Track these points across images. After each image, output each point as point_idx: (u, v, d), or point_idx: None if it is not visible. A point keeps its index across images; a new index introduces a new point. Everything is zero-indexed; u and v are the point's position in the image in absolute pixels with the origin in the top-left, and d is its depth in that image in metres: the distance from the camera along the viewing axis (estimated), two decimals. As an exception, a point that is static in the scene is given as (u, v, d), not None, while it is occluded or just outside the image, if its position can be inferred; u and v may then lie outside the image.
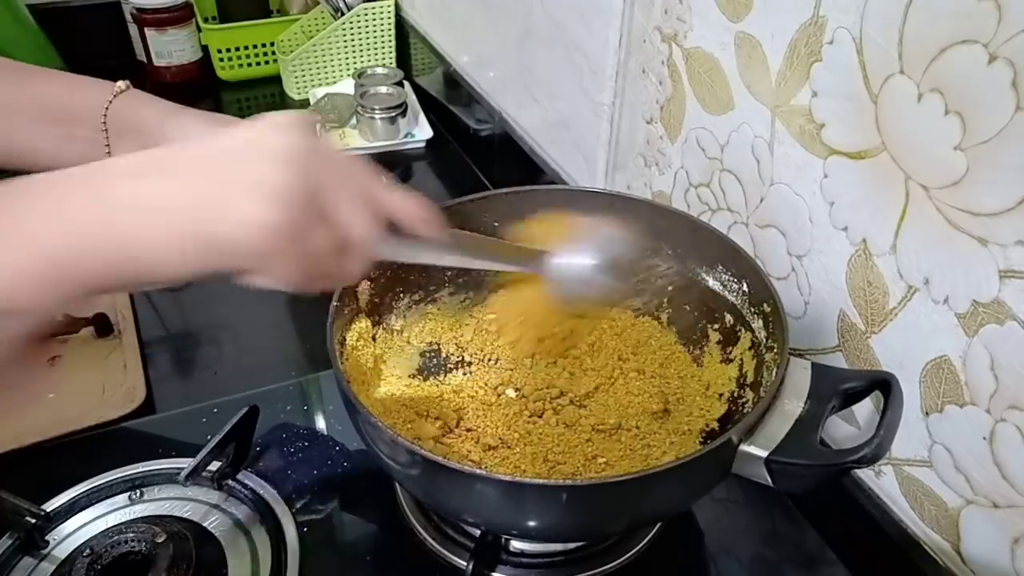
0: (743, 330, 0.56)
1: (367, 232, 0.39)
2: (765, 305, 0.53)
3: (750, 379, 0.54)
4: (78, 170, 0.35)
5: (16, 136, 0.51)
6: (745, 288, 0.56)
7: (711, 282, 0.58)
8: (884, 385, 0.44)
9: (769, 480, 0.43)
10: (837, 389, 0.46)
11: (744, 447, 0.43)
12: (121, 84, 0.53)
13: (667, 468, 0.42)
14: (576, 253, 0.54)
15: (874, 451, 0.40)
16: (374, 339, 0.58)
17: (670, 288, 0.61)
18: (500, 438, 0.57)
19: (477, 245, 0.53)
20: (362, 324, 0.56)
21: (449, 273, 0.63)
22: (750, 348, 0.55)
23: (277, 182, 0.35)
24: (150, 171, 0.35)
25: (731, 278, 0.57)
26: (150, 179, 0.35)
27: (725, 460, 0.44)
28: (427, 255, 0.47)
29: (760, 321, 0.54)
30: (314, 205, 0.36)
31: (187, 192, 0.34)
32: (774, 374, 0.47)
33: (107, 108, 0.51)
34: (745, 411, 0.53)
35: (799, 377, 0.46)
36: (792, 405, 0.45)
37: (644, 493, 0.44)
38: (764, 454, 0.43)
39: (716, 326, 0.59)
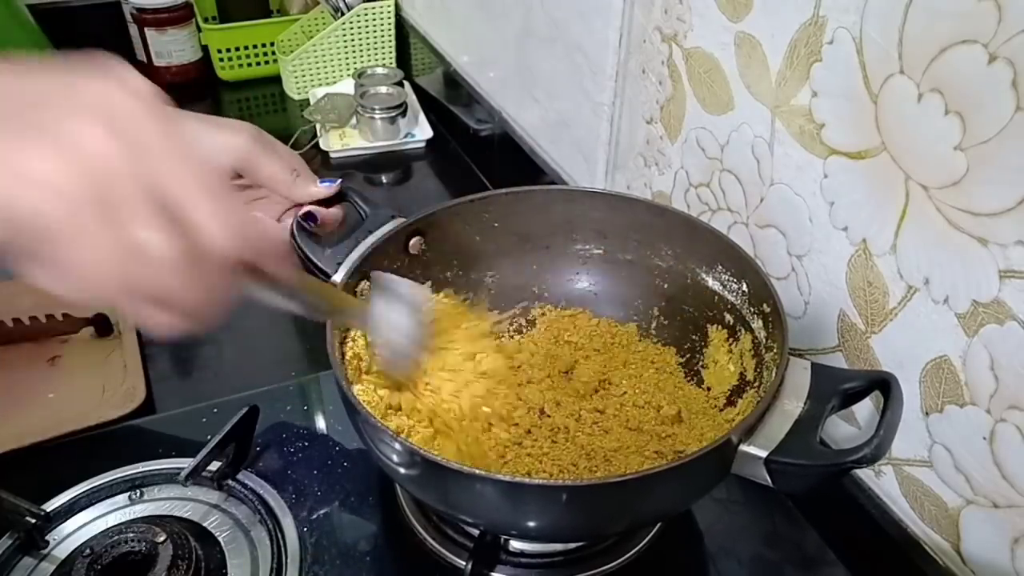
0: (743, 330, 0.56)
1: (229, 240, 0.29)
2: (765, 305, 0.53)
3: (750, 379, 0.54)
4: None
5: None
6: (745, 288, 0.56)
7: (711, 282, 0.58)
8: (884, 385, 0.44)
9: (769, 480, 0.43)
10: (837, 389, 0.46)
11: (744, 447, 0.43)
12: None
13: (667, 468, 0.42)
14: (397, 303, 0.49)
15: (874, 451, 0.40)
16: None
17: (665, 287, 0.61)
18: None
19: (319, 294, 0.47)
20: (362, 324, 0.56)
21: (448, 274, 0.63)
22: (750, 348, 0.55)
23: (98, 139, 0.27)
24: None
25: (731, 278, 0.57)
26: None
27: (725, 460, 0.44)
28: (275, 299, 0.39)
29: (760, 321, 0.54)
30: (148, 184, 0.27)
31: None
32: (774, 374, 0.47)
33: None
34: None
35: (799, 377, 0.46)
36: (792, 405, 0.45)
37: (644, 493, 0.44)
38: (764, 454, 0.43)
39: (716, 326, 0.59)
